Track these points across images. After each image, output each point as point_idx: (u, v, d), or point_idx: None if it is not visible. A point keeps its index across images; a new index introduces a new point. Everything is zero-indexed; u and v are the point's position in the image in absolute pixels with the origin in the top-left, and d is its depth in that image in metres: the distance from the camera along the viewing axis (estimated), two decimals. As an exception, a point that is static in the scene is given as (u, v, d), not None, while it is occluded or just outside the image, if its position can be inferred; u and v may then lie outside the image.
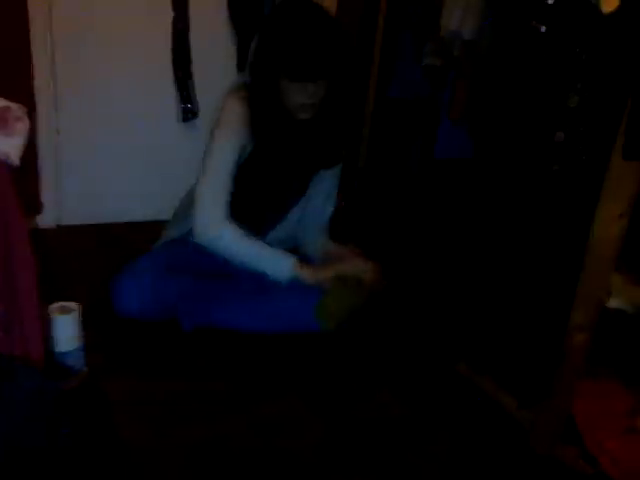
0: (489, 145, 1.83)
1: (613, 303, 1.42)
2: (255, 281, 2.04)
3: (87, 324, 1.73)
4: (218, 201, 1.92)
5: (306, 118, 1.91)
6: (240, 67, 2.74)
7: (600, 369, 1.54)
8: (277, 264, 1.94)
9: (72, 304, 1.71)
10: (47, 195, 2.66)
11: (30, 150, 2.27)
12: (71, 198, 2.71)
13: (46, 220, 2.67)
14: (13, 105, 1.51)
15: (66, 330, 1.67)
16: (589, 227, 1.40)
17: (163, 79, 2.68)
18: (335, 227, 2.25)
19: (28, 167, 2.51)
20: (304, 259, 2.02)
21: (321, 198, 2.15)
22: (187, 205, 2.08)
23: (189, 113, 2.75)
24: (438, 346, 1.96)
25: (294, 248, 2.16)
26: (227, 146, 1.93)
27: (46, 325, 1.60)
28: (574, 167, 1.51)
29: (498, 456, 1.59)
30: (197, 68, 2.71)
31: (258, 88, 1.90)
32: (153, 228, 2.27)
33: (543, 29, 1.56)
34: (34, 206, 2.62)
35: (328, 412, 1.70)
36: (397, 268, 2.20)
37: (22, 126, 1.49)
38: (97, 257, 2.45)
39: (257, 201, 2.08)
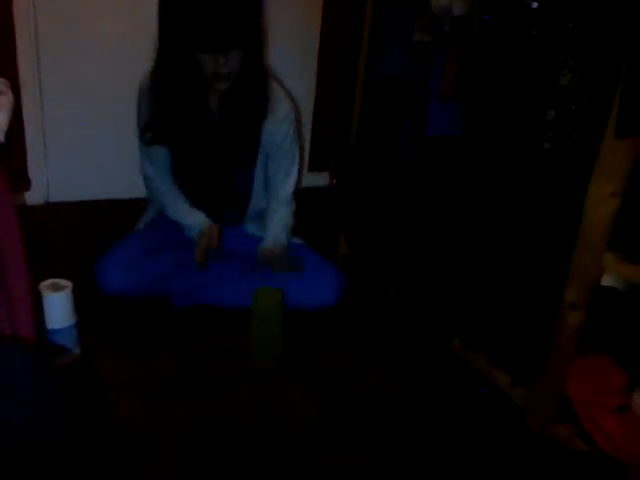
0: (479, 123, 1.82)
1: (606, 281, 1.43)
2: (243, 259, 2.04)
3: (77, 301, 1.72)
4: (152, 165, 2.06)
5: (224, 88, 1.88)
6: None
7: (593, 347, 1.54)
8: (190, 218, 2.05)
9: (64, 281, 1.69)
10: (35, 172, 2.64)
11: (16, 127, 2.25)
12: (59, 175, 2.69)
13: (34, 197, 2.65)
14: (-4, 79, 1.48)
15: (58, 308, 1.66)
16: (581, 206, 1.40)
17: (150, 56, 2.65)
18: (325, 205, 2.25)
19: (15, 144, 2.48)
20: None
21: (282, 170, 2.12)
22: None
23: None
24: (431, 324, 1.97)
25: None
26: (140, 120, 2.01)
27: (37, 303, 1.59)
28: (566, 145, 1.50)
29: (492, 434, 1.61)
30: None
31: (162, 59, 1.88)
32: (141, 205, 2.26)
33: (535, 5, 1.54)
34: (22, 183, 2.59)
35: (322, 391, 1.71)
36: (388, 246, 2.20)
37: (5, 100, 1.46)
38: (86, 234, 2.43)
39: (203, 179, 2.09)
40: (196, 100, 1.92)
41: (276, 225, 2.12)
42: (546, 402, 1.57)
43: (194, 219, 2.05)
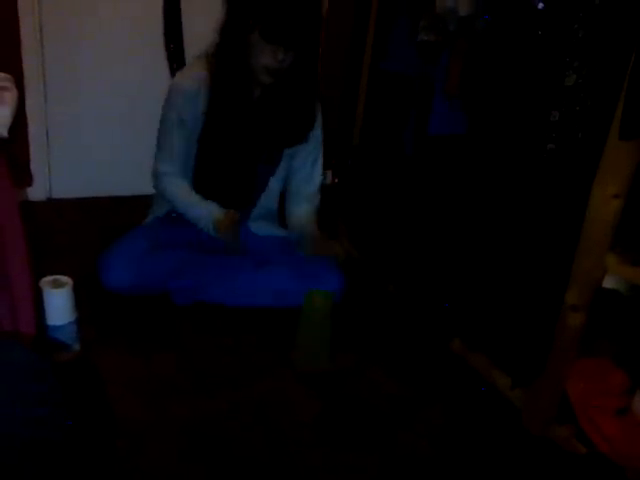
0: (483, 123, 1.82)
1: (608, 283, 1.42)
2: (247, 257, 2.04)
3: (78, 298, 1.72)
4: (171, 162, 2.03)
5: (267, 82, 1.89)
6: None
7: (594, 349, 1.54)
8: (203, 207, 2.00)
9: (65, 278, 1.69)
10: (37, 168, 2.64)
11: (20, 122, 2.25)
12: (62, 171, 2.69)
13: (37, 193, 2.65)
14: (0, 74, 1.49)
15: (59, 304, 1.66)
16: (584, 207, 1.40)
17: (154, 51, 2.65)
18: (327, 204, 2.25)
19: (18, 139, 2.48)
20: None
21: (307, 167, 2.14)
22: None
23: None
24: (431, 324, 1.97)
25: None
26: (173, 115, 2.00)
27: (38, 299, 1.59)
28: (569, 147, 1.50)
29: (490, 435, 1.60)
30: (189, 41, 2.68)
31: (227, 40, 1.88)
32: (144, 202, 2.26)
33: (541, 6, 1.54)
34: (25, 179, 2.60)
35: (321, 389, 1.70)
36: (390, 246, 2.19)
37: (9, 96, 1.47)
38: (88, 230, 2.43)
39: (228, 172, 2.08)
40: (246, 91, 1.93)
41: (308, 216, 2.14)
42: (545, 403, 1.56)
43: (208, 207, 2.02)
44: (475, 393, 1.73)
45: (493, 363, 1.73)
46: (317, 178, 2.17)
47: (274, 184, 2.13)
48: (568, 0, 1.45)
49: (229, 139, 2.00)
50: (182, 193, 2.06)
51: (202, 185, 2.07)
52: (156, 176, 2.08)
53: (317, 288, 1.98)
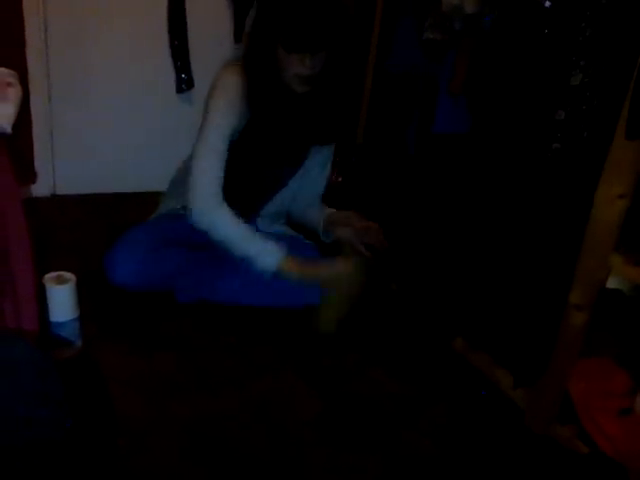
0: (488, 121, 1.81)
1: (611, 283, 1.42)
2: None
3: (81, 295, 1.72)
4: (214, 181, 1.88)
5: (302, 91, 1.88)
6: (237, 38, 2.71)
7: (597, 349, 1.54)
8: (266, 254, 1.86)
9: (68, 274, 1.70)
10: (41, 165, 2.64)
11: (24, 118, 2.25)
12: (66, 168, 2.69)
13: (40, 189, 2.66)
14: (4, 70, 1.49)
15: (62, 300, 1.66)
16: (589, 207, 1.39)
17: (159, 48, 2.65)
18: (331, 202, 2.24)
19: (23, 136, 2.48)
20: (297, 255, 1.93)
21: (317, 169, 2.15)
22: (182, 178, 2.07)
23: (184, 83, 2.71)
24: (434, 323, 1.96)
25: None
26: (223, 122, 1.89)
27: (41, 295, 1.59)
28: (575, 146, 1.49)
29: (493, 434, 1.60)
30: (193, 38, 2.67)
31: (254, 58, 1.87)
32: (148, 199, 2.26)
33: (548, 4, 1.53)
34: (29, 175, 2.60)
35: (323, 388, 1.70)
36: (393, 244, 2.19)
37: (14, 92, 1.47)
38: (91, 227, 2.43)
39: (254, 173, 2.06)
40: (278, 101, 1.91)
41: (324, 213, 2.14)
42: (548, 403, 1.56)
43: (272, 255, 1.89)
44: (478, 392, 1.73)
45: (496, 362, 1.73)
46: (324, 180, 2.18)
47: (292, 183, 2.13)
48: (575, -1, 1.45)
49: (266, 144, 2.00)
50: (237, 237, 1.89)
51: (227, 182, 1.98)
52: (200, 206, 1.88)
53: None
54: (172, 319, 1.93)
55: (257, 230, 2.11)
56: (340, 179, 2.61)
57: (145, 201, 2.26)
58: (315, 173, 2.15)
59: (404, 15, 2.24)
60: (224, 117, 1.89)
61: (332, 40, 1.81)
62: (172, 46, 2.66)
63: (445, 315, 1.92)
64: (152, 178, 2.47)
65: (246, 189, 2.05)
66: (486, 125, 1.82)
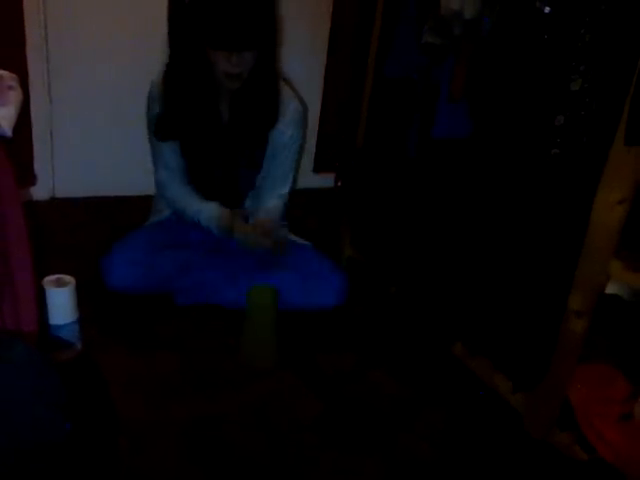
0: (488, 126, 1.81)
1: (609, 288, 1.42)
2: (249, 258, 2.04)
3: (80, 297, 1.72)
4: (173, 180, 2.07)
5: (233, 87, 1.90)
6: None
7: (597, 354, 1.54)
8: (207, 208, 2.03)
9: (67, 277, 1.70)
10: (41, 167, 2.64)
11: (24, 121, 2.25)
12: (65, 171, 2.69)
13: (40, 192, 2.65)
14: (5, 73, 1.49)
15: (61, 303, 1.66)
16: (589, 212, 1.39)
17: (159, 51, 2.64)
18: (331, 206, 2.25)
19: (22, 139, 2.48)
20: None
21: (285, 168, 2.13)
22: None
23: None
24: (433, 327, 1.96)
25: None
26: (151, 132, 2.02)
27: (41, 298, 1.59)
28: (574, 151, 1.50)
29: (491, 439, 1.60)
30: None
31: (175, 58, 1.91)
32: (147, 202, 2.26)
33: (547, 10, 1.54)
34: (28, 178, 2.60)
35: (322, 391, 1.70)
36: (393, 249, 2.19)
37: (14, 95, 1.47)
38: (91, 230, 2.43)
39: (213, 179, 2.10)
40: (206, 99, 1.93)
41: (266, 210, 2.12)
42: (547, 408, 1.56)
43: (210, 208, 2.06)
44: (476, 397, 1.73)
45: (495, 367, 1.73)
46: (291, 179, 2.17)
47: (259, 182, 2.15)
48: (574, 4, 1.45)
49: (204, 147, 2.03)
50: (183, 205, 2.09)
51: (194, 186, 2.11)
52: (156, 186, 2.14)
53: (319, 290, 1.99)
54: (171, 321, 1.93)
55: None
56: (340, 183, 2.61)
57: (144, 204, 2.26)
58: (280, 173, 2.14)
59: (403, 19, 2.24)
60: (149, 125, 2.02)
61: (257, 38, 1.81)
62: (172, 49, 2.66)
63: (444, 319, 1.92)
64: (152, 182, 2.47)
65: (215, 194, 2.10)
66: (486, 130, 1.82)
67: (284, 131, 2.05)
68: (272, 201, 2.13)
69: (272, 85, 1.98)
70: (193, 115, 1.95)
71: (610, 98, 1.39)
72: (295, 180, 2.23)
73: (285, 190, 2.16)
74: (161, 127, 1.98)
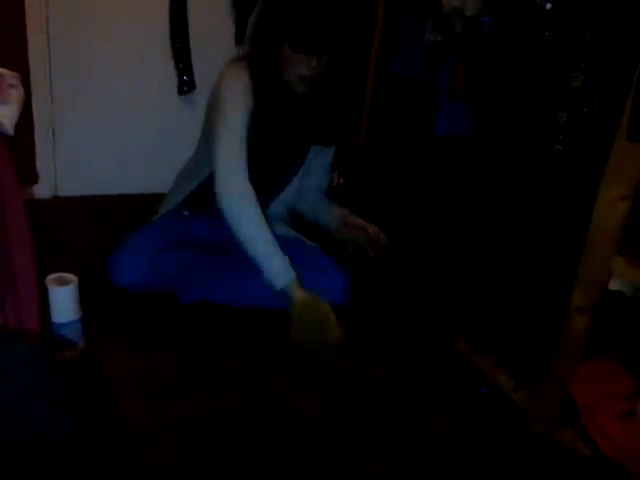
0: (489, 124, 1.81)
1: (612, 285, 1.42)
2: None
3: (83, 296, 1.72)
4: (241, 166, 1.84)
5: (303, 92, 1.89)
6: (238, 40, 2.71)
7: (600, 351, 1.53)
8: (279, 271, 1.80)
9: (70, 275, 1.70)
10: (43, 166, 2.64)
11: (26, 120, 2.26)
12: (67, 169, 2.69)
13: (42, 191, 2.66)
14: (6, 72, 1.48)
15: (64, 302, 1.66)
16: (591, 209, 1.39)
17: (160, 50, 2.65)
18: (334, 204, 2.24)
19: (24, 137, 2.49)
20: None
21: (320, 170, 2.16)
22: (183, 178, 2.08)
23: (186, 85, 2.72)
24: (436, 324, 1.96)
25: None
26: (236, 111, 1.86)
27: (43, 296, 1.59)
28: (576, 148, 1.49)
29: (494, 436, 1.60)
30: (195, 40, 2.68)
31: (259, 56, 1.87)
32: (149, 200, 2.26)
33: (548, 6, 1.54)
34: (30, 176, 2.60)
35: (325, 388, 1.70)
36: (396, 246, 2.19)
37: (16, 93, 1.47)
38: (93, 228, 2.43)
39: (259, 170, 2.06)
40: (281, 102, 1.92)
41: (335, 213, 2.15)
42: (550, 405, 1.56)
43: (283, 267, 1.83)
44: (479, 394, 1.73)
45: (498, 364, 1.73)
46: (326, 181, 2.22)
47: (295, 181, 2.15)
48: (576, 1, 1.45)
49: (269, 141, 2.00)
50: (259, 241, 1.83)
51: None
52: (230, 198, 1.84)
53: (322, 288, 1.98)
54: (174, 320, 1.93)
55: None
56: (342, 181, 2.61)
57: (146, 203, 2.26)
58: (318, 173, 2.17)
59: (405, 17, 2.24)
60: (237, 107, 1.87)
61: (338, 43, 1.82)
62: (174, 48, 2.67)
63: (447, 316, 1.92)
64: (153, 180, 2.48)
65: (253, 187, 2.04)
66: (488, 127, 1.82)
67: None
68: (324, 200, 2.18)
69: (343, 90, 2.00)
70: (272, 117, 1.92)
71: (612, 95, 1.39)
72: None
73: (324, 186, 2.21)
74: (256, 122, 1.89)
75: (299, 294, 1.78)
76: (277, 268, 1.80)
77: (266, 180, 2.08)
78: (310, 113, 1.99)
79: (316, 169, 2.15)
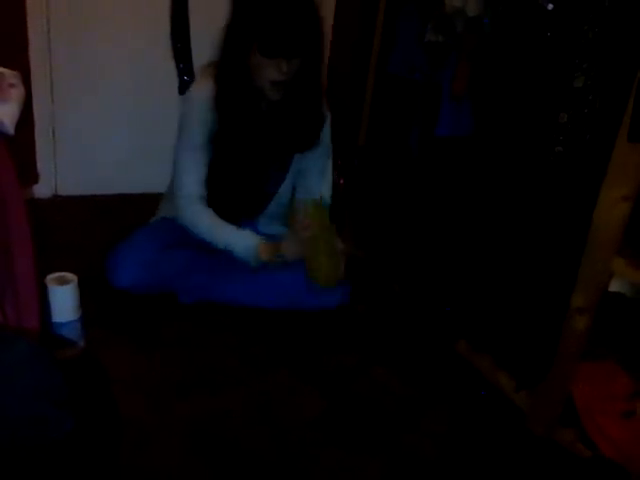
0: (491, 124, 1.81)
1: (614, 286, 1.42)
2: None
3: (83, 295, 1.72)
4: (195, 178, 1.94)
5: (275, 98, 1.87)
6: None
7: (600, 352, 1.54)
8: (242, 239, 1.93)
9: (70, 275, 1.69)
10: (43, 165, 2.64)
11: (26, 119, 2.25)
12: (67, 169, 2.69)
13: (42, 190, 2.66)
14: (7, 71, 1.48)
15: (64, 301, 1.66)
16: (592, 210, 1.39)
17: (161, 50, 2.65)
18: (334, 204, 2.24)
19: (25, 136, 2.49)
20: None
21: (314, 177, 2.12)
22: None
23: (187, 86, 2.71)
24: (437, 324, 1.96)
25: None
26: (196, 123, 1.91)
27: (43, 296, 1.59)
28: (577, 149, 1.49)
29: (494, 436, 1.60)
30: (196, 40, 2.67)
31: (228, 62, 1.86)
32: (149, 200, 2.25)
33: (550, 7, 1.54)
34: (30, 176, 2.60)
35: (326, 388, 1.70)
36: (395, 246, 2.19)
37: (16, 93, 1.46)
38: (93, 228, 2.43)
39: (240, 178, 2.06)
40: (251, 108, 1.90)
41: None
42: (550, 406, 1.56)
43: (246, 237, 1.95)
44: (479, 394, 1.73)
45: (498, 365, 1.73)
46: (327, 183, 2.15)
47: (283, 189, 2.12)
48: (578, 1, 1.45)
49: (241, 150, 1.98)
50: (214, 224, 1.96)
51: (215, 192, 2.01)
52: (182, 204, 1.96)
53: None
54: (174, 319, 1.93)
55: (257, 231, 2.12)
56: (342, 181, 2.61)
57: (147, 202, 2.26)
58: (311, 176, 2.11)
59: (406, 17, 2.24)
60: (194, 122, 1.92)
61: (307, 46, 1.80)
62: (175, 49, 2.66)
63: (448, 317, 1.92)
64: (154, 180, 2.47)
65: (237, 194, 2.05)
66: (489, 128, 1.82)
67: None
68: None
69: (317, 95, 1.96)
70: (242, 125, 1.92)
71: (613, 95, 1.39)
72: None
73: (321, 192, 2.12)
74: (218, 137, 1.92)
75: (273, 245, 1.93)
76: (242, 248, 1.92)
77: (250, 189, 2.07)
78: (281, 119, 1.96)
79: (309, 172, 2.11)
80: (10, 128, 1.40)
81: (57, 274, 1.69)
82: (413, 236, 2.12)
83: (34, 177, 2.62)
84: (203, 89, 1.89)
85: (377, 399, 1.69)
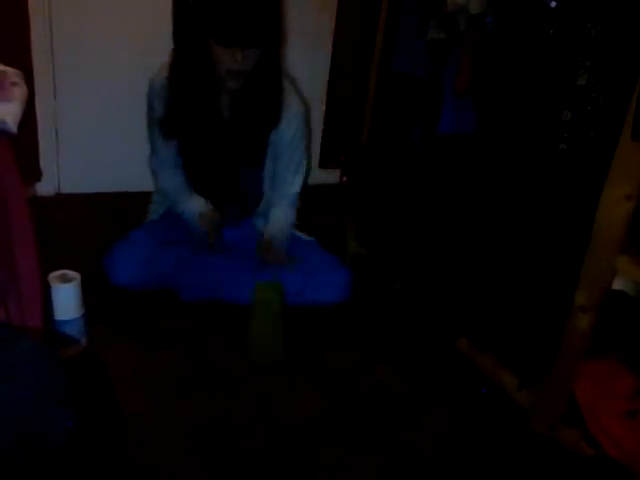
0: (494, 122, 1.81)
1: (617, 284, 1.41)
2: (252, 254, 2.04)
3: (85, 293, 1.72)
4: (167, 148, 2.04)
5: (234, 87, 1.89)
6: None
7: (603, 350, 1.53)
8: (190, 208, 2.07)
9: (72, 273, 1.69)
10: (46, 163, 2.64)
11: (29, 117, 2.25)
12: (70, 167, 2.69)
13: (45, 188, 2.66)
14: (9, 70, 1.48)
15: (66, 299, 1.66)
16: (595, 208, 1.39)
17: (163, 49, 2.64)
18: (336, 202, 2.24)
19: (27, 135, 2.49)
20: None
21: (290, 169, 2.11)
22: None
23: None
24: (438, 322, 1.96)
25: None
26: (155, 106, 1.99)
27: (46, 294, 1.59)
28: (581, 147, 1.49)
29: (496, 435, 1.60)
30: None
31: (179, 52, 1.90)
32: (152, 198, 2.25)
33: (553, 4, 1.53)
34: (33, 174, 2.60)
35: (327, 386, 1.70)
36: (398, 244, 2.19)
37: (19, 91, 1.46)
38: (96, 226, 2.44)
39: (211, 174, 2.09)
40: (208, 96, 1.92)
41: (278, 221, 2.11)
42: (553, 405, 1.56)
43: (194, 202, 2.07)
44: (480, 393, 1.73)
45: (500, 363, 1.73)
46: (299, 181, 2.14)
47: (268, 184, 2.13)
48: (581, -1, 1.44)
49: (204, 144, 2.02)
50: (173, 196, 2.10)
51: (191, 183, 2.10)
52: (152, 174, 2.15)
53: (324, 286, 1.98)
54: (175, 317, 1.93)
55: (254, 228, 2.13)
56: (345, 179, 2.61)
57: (149, 200, 2.26)
58: (286, 176, 2.11)
59: (409, 15, 2.24)
60: (150, 110, 2.02)
61: (263, 36, 1.81)
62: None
63: (449, 315, 1.92)
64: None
65: (212, 189, 2.09)
66: (492, 126, 1.81)
67: (284, 129, 2.03)
68: (283, 206, 2.12)
69: (275, 84, 1.96)
70: (196, 113, 1.94)
71: (617, 93, 1.39)
72: (305, 181, 2.20)
73: (293, 190, 2.13)
74: (166, 125, 1.97)
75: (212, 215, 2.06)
76: (188, 214, 2.07)
77: (223, 185, 2.10)
78: (240, 108, 1.98)
79: (283, 168, 2.10)
80: (13, 127, 1.40)
81: (60, 272, 1.69)
82: (415, 234, 2.12)
83: (37, 175, 2.63)
84: (158, 76, 1.98)
85: (378, 397, 1.69)
